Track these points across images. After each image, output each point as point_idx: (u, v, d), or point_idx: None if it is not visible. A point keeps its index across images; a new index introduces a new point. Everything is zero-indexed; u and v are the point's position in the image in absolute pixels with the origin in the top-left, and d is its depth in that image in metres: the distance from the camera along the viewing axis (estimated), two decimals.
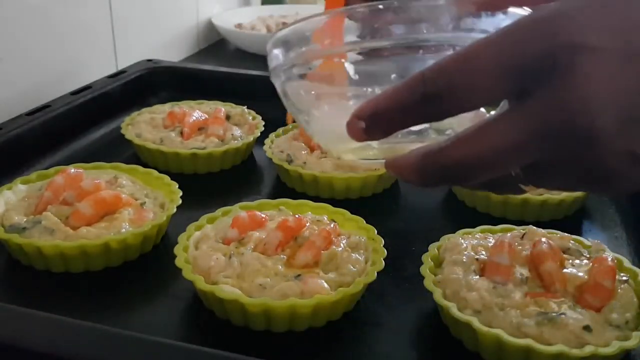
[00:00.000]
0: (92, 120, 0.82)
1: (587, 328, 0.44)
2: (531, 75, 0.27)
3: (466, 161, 0.29)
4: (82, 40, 0.92)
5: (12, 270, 0.55)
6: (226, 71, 0.97)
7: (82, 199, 0.57)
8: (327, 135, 0.36)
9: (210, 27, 1.31)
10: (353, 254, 0.52)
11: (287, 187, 0.71)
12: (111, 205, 0.57)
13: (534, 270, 0.49)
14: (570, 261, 0.51)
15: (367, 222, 0.57)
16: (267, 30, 1.31)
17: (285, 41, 0.35)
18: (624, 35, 0.27)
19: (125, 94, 0.89)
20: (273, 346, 0.48)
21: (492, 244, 0.52)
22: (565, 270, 0.49)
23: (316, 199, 0.64)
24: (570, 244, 0.53)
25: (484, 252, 0.51)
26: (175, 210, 0.58)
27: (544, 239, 0.51)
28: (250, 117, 0.81)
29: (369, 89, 0.33)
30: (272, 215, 0.57)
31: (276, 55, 0.36)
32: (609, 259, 0.48)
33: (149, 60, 0.97)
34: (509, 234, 0.53)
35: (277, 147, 0.73)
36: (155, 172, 0.65)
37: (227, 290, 0.47)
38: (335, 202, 0.61)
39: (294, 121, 0.73)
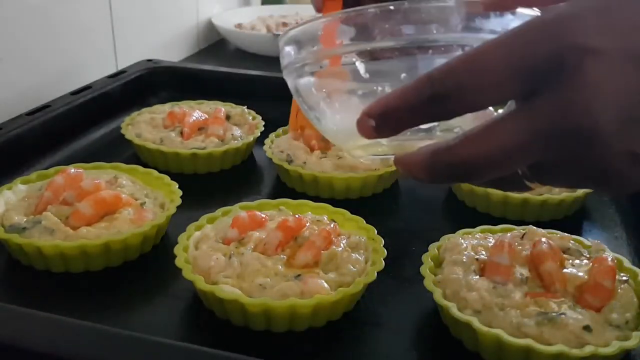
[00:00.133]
0: (92, 120, 0.82)
1: (587, 328, 0.44)
2: (539, 76, 0.28)
3: (474, 160, 0.29)
4: (82, 40, 0.92)
5: (12, 270, 0.55)
6: (226, 71, 0.97)
7: (82, 199, 0.57)
8: (337, 132, 0.37)
9: (210, 27, 1.31)
10: (353, 254, 0.52)
11: (287, 187, 0.71)
12: (111, 205, 0.57)
13: (534, 270, 0.49)
14: (570, 261, 0.51)
15: (367, 222, 0.57)
16: (267, 30, 1.31)
17: (297, 39, 0.36)
18: (627, 37, 0.27)
19: (125, 94, 0.89)
20: (273, 346, 0.48)
21: (492, 244, 0.52)
22: (565, 270, 0.49)
23: (316, 199, 0.64)
24: (570, 244, 0.53)
25: (484, 252, 0.51)
26: (175, 210, 0.58)
27: (544, 239, 0.51)
28: (250, 117, 0.81)
29: (379, 88, 0.34)
30: (272, 215, 0.57)
31: (288, 53, 0.36)
32: (609, 259, 0.48)
33: (149, 60, 0.97)
34: (509, 234, 0.53)
35: (277, 147, 0.73)
36: (155, 172, 0.65)
37: (227, 290, 0.47)
38: (335, 202, 0.61)
39: (300, 129, 0.73)
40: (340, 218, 0.58)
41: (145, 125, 0.77)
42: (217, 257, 0.50)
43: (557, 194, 0.63)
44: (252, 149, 0.79)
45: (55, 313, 0.41)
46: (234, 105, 0.84)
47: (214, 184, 0.72)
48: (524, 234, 0.53)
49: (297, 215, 0.54)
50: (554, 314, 0.44)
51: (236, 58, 1.26)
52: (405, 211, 0.69)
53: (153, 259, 0.57)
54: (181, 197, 0.60)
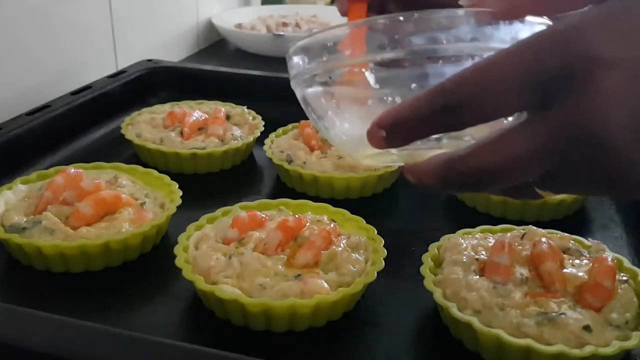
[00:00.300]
0: (92, 120, 0.82)
1: (587, 328, 0.44)
2: (550, 87, 0.28)
3: (486, 169, 0.30)
4: (82, 40, 0.92)
5: (12, 270, 0.55)
6: (226, 71, 0.97)
7: (82, 199, 0.57)
8: (347, 141, 0.37)
9: (210, 27, 1.31)
10: (353, 254, 0.52)
11: (287, 187, 0.71)
12: (111, 205, 0.57)
13: (534, 270, 0.49)
14: (570, 261, 0.51)
15: (367, 222, 0.57)
16: (267, 30, 1.31)
17: (306, 49, 0.36)
18: (638, 46, 0.27)
19: (125, 94, 0.89)
20: (273, 346, 0.48)
21: (492, 244, 0.52)
22: (565, 270, 0.49)
23: (316, 199, 0.64)
24: (570, 244, 0.53)
25: (484, 252, 0.51)
26: (175, 210, 0.58)
27: (544, 239, 0.51)
28: (250, 117, 0.81)
29: (390, 98, 0.34)
30: (272, 215, 0.57)
31: (297, 63, 0.37)
32: (609, 259, 0.48)
33: (149, 60, 0.97)
34: (509, 234, 0.53)
35: (277, 147, 0.73)
36: (155, 172, 0.65)
37: (227, 290, 0.47)
38: (335, 202, 0.61)
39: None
40: (340, 218, 0.58)
41: (145, 125, 0.77)
42: (217, 257, 0.50)
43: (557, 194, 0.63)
44: (252, 149, 0.79)
45: (55, 313, 0.41)
46: (234, 105, 0.84)
47: (214, 184, 0.72)
48: (524, 234, 0.53)
49: (297, 215, 0.54)
50: (554, 314, 0.44)
51: (236, 58, 1.26)
52: (405, 211, 0.69)
53: (153, 259, 0.57)
54: (181, 197, 0.60)
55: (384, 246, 0.53)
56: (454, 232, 0.55)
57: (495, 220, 0.60)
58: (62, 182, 0.59)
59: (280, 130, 0.77)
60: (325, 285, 0.48)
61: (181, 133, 0.75)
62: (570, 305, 0.46)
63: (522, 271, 0.49)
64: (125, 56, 1.01)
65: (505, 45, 0.29)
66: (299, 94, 0.38)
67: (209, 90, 0.92)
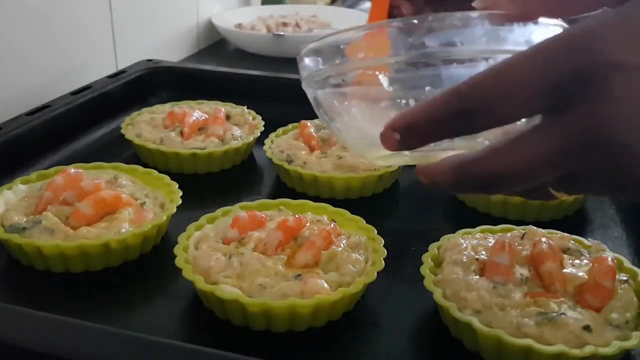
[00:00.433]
0: (92, 120, 0.82)
1: (587, 328, 0.44)
2: (566, 91, 0.28)
3: (500, 173, 0.30)
4: (82, 41, 0.92)
5: (12, 270, 0.55)
6: (226, 71, 0.97)
7: (82, 199, 0.57)
8: (359, 143, 0.37)
9: (210, 27, 1.31)
10: (353, 254, 0.52)
11: (287, 187, 0.71)
12: (111, 205, 0.57)
13: (534, 270, 0.49)
14: (570, 261, 0.51)
15: (367, 222, 0.57)
16: (267, 30, 1.31)
17: (319, 51, 0.36)
18: None
19: (125, 94, 0.89)
20: (273, 346, 0.48)
21: (492, 244, 0.52)
22: (565, 270, 0.49)
23: (316, 199, 0.64)
24: (570, 244, 0.53)
25: (484, 252, 0.51)
26: (175, 210, 0.58)
27: (544, 239, 0.51)
28: (250, 117, 0.81)
29: (403, 101, 0.34)
30: (272, 215, 0.57)
31: (309, 65, 0.37)
32: (609, 259, 0.48)
33: (149, 60, 0.97)
34: (509, 234, 0.53)
35: (277, 147, 0.73)
36: (155, 172, 0.65)
37: (227, 290, 0.47)
38: (335, 202, 0.61)
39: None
40: (340, 218, 0.58)
41: (145, 125, 0.77)
42: (217, 257, 0.50)
43: None
44: (252, 149, 0.79)
45: (55, 313, 0.41)
46: (234, 105, 0.84)
47: (214, 184, 0.72)
48: (524, 234, 0.53)
49: (297, 215, 0.54)
50: (554, 314, 0.44)
51: (236, 58, 1.26)
52: (405, 211, 0.69)
53: (153, 259, 0.57)
54: (181, 197, 0.60)
55: (384, 246, 0.53)
56: (454, 232, 0.55)
57: (495, 220, 0.60)
58: (62, 182, 0.59)
59: (280, 130, 0.77)
60: (325, 285, 0.48)
61: (181, 133, 0.74)
62: (570, 305, 0.46)
63: (522, 271, 0.49)
64: (125, 56, 1.01)
65: (520, 48, 0.29)
66: (310, 95, 0.38)
67: (209, 90, 0.92)
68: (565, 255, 0.51)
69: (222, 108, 0.80)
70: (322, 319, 0.49)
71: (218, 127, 0.76)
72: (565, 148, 0.28)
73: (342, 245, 0.53)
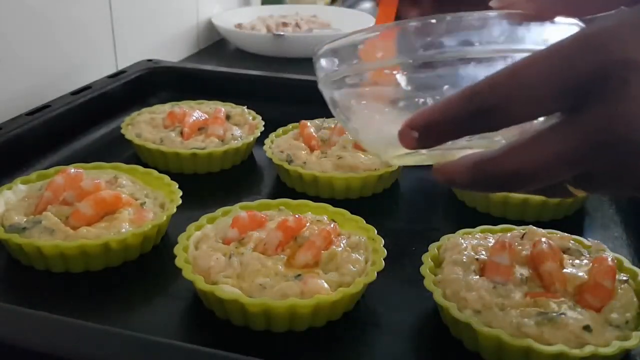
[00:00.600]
0: (92, 120, 0.82)
1: (587, 328, 0.44)
2: (584, 90, 0.28)
3: (518, 171, 0.30)
4: (82, 40, 0.92)
5: (12, 270, 0.55)
6: (226, 71, 0.97)
7: (82, 199, 0.57)
8: (376, 142, 0.38)
9: (210, 27, 1.31)
10: (353, 254, 0.52)
11: (287, 187, 0.71)
12: (111, 205, 0.57)
13: (534, 270, 0.49)
14: (570, 261, 0.51)
15: (367, 222, 0.57)
16: (267, 30, 1.31)
17: (335, 51, 0.36)
18: None
19: (125, 94, 0.89)
20: (273, 346, 0.48)
21: (492, 244, 0.52)
22: (565, 270, 0.49)
23: (316, 199, 0.64)
24: (570, 244, 0.53)
25: (484, 252, 0.51)
26: (175, 210, 0.58)
27: (544, 239, 0.51)
28: (250, 117, 0.81)
29: (421, 100, 0.34)
30: (272, 215, 0.57)
31: (325, 66, 0.37)
32: (609, 259, 0.48)
33: (149, 60, 0.97)
34: (509, 234, 0.53)
35: (277, 147, 0.73)
36: (155, 172, 0.65)
37: (227, 290, 0.47)
38: (335, 202, 0.61)
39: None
40: (340, 218, 0.58)
41: (145, 125, 0.77)
42: (217, 257, 0.50)
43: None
44: (252, 149, 0.79)
45: (55, 313, 0.41)
46: (234, 105, 0.84)
47: (214, 184, 0.72)
48: (524, 234, 0.53)
49: (297, 215, 0.54)
50: (554, 314, 0.44)
51: (236, 58, 1.26)
52: (405, 211, 0.69)
53: (153, 259, 0.57)
54: (181, 197, 0.60)
55: (384, 246, 0.53)
56: (454, 232, 0.55)
57: (495, 220, 0.60)
58: (62, 182, 0.59)
59: (280, 130, 0.77)
60: (325, 285, 0.48)
61: (181, 133, 0.74)
62: (570, 305, 0.46)
63: (522, 271, 0.49)
64: (125, 56, 1.01)
65: (538, 47, 0.30)
66: (327, 95, 0.38)
67: (209, 90, 0.92)
68: (565, 255, 0.51)
69: (222, 108, 0.80)
70: (322, 319, 0.49)
71: (218, 127, 0.76)
72: (582, 148, 0.29)
73: (342, 245, 0.53)
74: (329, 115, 0.78)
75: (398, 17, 0.52)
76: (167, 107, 0.81)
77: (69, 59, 0.90)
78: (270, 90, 0.92)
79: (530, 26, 0.33)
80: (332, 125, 0.75)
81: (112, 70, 0.94)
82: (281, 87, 0.93)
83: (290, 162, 0.69)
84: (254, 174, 0.76)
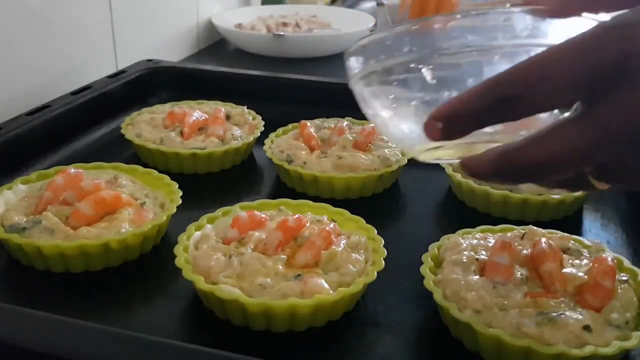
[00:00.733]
0: (92, 120, 0.82)
1: (587, 328, 0.44)
2: (605, 80, 0.29)
3: (540, 161, 0.31)
4: (82, 41, 0.92)
5: (12, 270, 0.55)
6: (226, 71, 0.97)
7: (82, 199, 0.57)
8: (404, 137, 0.38)
9: (210, 27, 1.31)
10: (353, 254, 0.52)
11: (287, 187, 0.71)
12: (111, 205, 0.57)
13: (534, 270, 0.49)
14: (570, 261, 0.51)
15: (367, 222, 0.57)
16: (267, 30, 1.31)
17: (364, 49, 0.37)
18: None
19: (125, 94, 0.89)
20: (273, 346, 0.48)
21: (492, 244, 0.52)
22: (565, 270, 0.49)
23: (316, 199, 0.64)
24: (570, 244, 0.53)
25: (484, 252, 0.51)
26: (175, 210, 0.58)
27: (544, 239, 0.51)
28: (250, 117, 0.81)
29: (446, 93, 0.35)
30: (272, 215, 0.57)
31: (355, 63, 0.38)
32: (609, 259, 0.48)
33: (149, 60, 0.97)
34: (509, 234, 0.53)
35: (277, 147, 0.73)
36: (155, 172, 0.65)
37: (227, 290, 0.47)
38: (335, 202, 0.61)
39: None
40: (340, 218, 0.58)
41: (145, 125, 0.77)
42: (217, 257, 0.50)
43: (557, 194, 0.63)
44: (252, 149, 0.79)
45: (55, 313, 0.41)
46: (234, 105, 0.84)
47: (214, 184, 0.72)
48: (524, 234, 0.53)
49: (297, 215, 0.54)
50: (554, 314, 0.44)
51: (236, 58, 1.26)
52: (405, 211, 0.69)
53: (153, 259, 0.57)
54: (181, 197, 0.60)
55: (384, 246, 0.53)
56: (454, 232, 0.55)
57: (495, 220, 0.60)
58: (62, 182, 0.59)
59: (280, 130, 0.77)
60: (326, 285, 0.48)
61: (181, 133, 0.74)
62: (570, 305, 0.46)
63: (522, 271, 0.49)
64: (125, 56, 1.01)
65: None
66: (357, 92, 0.39)
67: (209, 90, 0.92)
68: (565, 255, 0.51)
69: (222, 108, 0.80)
70: (322, 319, 0.49)
71: (218, 127, 0.76)
72: (603, 137, 0.30)
73: (342, 245, 0.53)
74: (329, 115, 0.78)
75: None
76: (167, 107, 0.81)
77: (69, 59, 0.90)
78: (270, 90, 0.92)
79: (553, 22, 0.34)
80: (332, 125, 0.75)
81: (112, 70, 0.94)
82: (281, 87, 0.93)
83: (290, 162, 0.69)
84: (254, 174, 0.76)
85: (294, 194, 0.69)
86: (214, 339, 0.48)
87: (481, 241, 0.53)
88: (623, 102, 0.29)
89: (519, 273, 0.49)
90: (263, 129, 0.78)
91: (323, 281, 0.49)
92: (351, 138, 0.71)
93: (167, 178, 0.64)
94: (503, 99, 0.30)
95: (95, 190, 0.57)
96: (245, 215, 0.55)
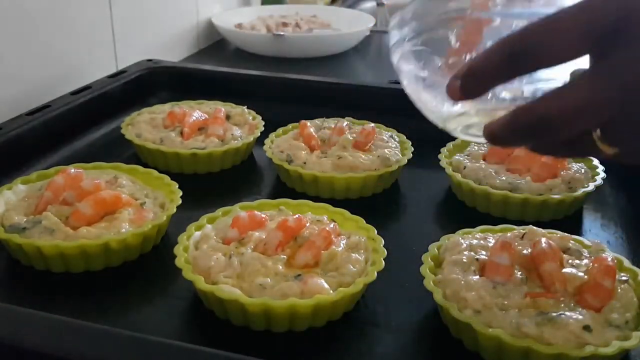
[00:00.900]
0: (92, 120, 0.82)
1: (587, 328, 0.44)
2: (609, 34, 0.32)
3: (550, 115, 0.33)
4: (82, 41, 0.92)
5: (12, 270, 0.55)
6: (226, 71, 0.97)
7: (82, 199, 0.57)
8: (435, 104, 0.41)
9: (210, 27, 1.31)
10: (353, 254, 0.52)
11: (287, 187, 0.71)
12: (111, 205, 0.57)
13: (534, 270, 0.49)
14: (570, 261, 0.51)
15: (367, 222, 0.57)
16: (267, 30, 1.31)
17: (400, 20, 0.41)
18: None
19: (125, 94, 0.89)
20: (273, 346, 0.48)
21: (492, 244, 0.52)
22: (565, 270, 0.49)
23: (316, 199, 0.64)
24: (570, 244, 0.53)
25: (484, 252, 0.51)
26: (175, 210, 0.58)
27: (544, 239, 0.51)
28: (250, 117, 0.81)
29: (468, 56, 0.38)
30: (272, 215, 0.57)
31: (394, 34, 0.41)
32: (609, 259, 0.48)
33: (149, 60, 0.97)
34: (509, 234, 0.53)
35: (277, 147, 0.73)
36: (155, 172, 0.65)
37: (227, 290, 0.47)
38: (335, 202, 0.61)
39: None
40: (340, 218, 0.58)
41: (145, 125, 0.77)
42: (217, 257, 0.50)
43: (557, 194, 0.63)
44: (252, 149, 0.79)
45: (55, 313, 0.41)
46: (234, 105, 0.84)
47: (214, 184, 0.72)
48: (524, 234, 0.53)
49: (297, 215, 0.54)
50: (554, 314, 0.44)
51: (236, 58, 1.26)
52: (405, 211, 0.69)
53: (153, 259, 0.57)
54: (181, 197, 0.60)
55: (384, 246, 0.53)
56: (454, 232, 0.55)
57: (495, 220, 0.60)
58: (62, 182, 0.59)
59: (280, 130, 0.77)
60: (326, 285, 0.48)
61: (181, 133, 0.74)
62: (570, 306, 0.46)
63: (522, 271, 0.49)
64: (125, 56, 1.01)
65: None
66: (395, 63, 0.42)
67: (209, 90, 0.92)
68: (565, 255, 0.51)
69: (222, 108, 0.80)
70: (322, 319, 0.49)
71: (218, 127, 0.76)
72: (609, 90, 0.32)
73: (342, 245, 0.53)
74: (329, 115, 0.78)
75: None
76: (167, 107, 0.81)
77: (69, 59, 0.90)
78: (270, 90, 0.92)
79: None
80: (332, 125, 0.75)
81: (112, 70, 0.94)
82: (281, 87, 0.93)
83: (290, 162, 0.69)
84: (254, 174, 0.76)
85: (294, 194, 0.69)
86: (214, 339, 0.48)
87: (481, 241, 0.53)
88: (627, 56, 0.31)
89: (519, 273, 0.49)
90: (263, 129, 0.78)
91: (323, 281, 0.49)
92: (351, 138, 0.71)
93: (167, 178, 0.64)
94: (513, 53, 0.33)
95: (95, 190, 0.57)
96: (245, 215, 0.55)
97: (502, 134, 0.35)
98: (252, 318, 0.47)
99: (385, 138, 0.73)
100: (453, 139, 0.73)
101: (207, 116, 0.78)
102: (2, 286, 0.54)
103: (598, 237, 0.62)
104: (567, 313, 0.45)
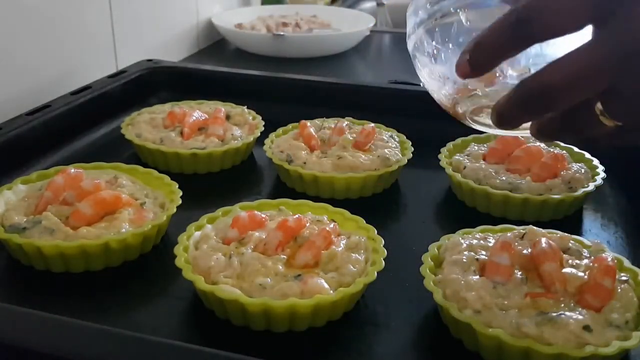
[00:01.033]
0: (92, 120, 0.82)
1: (587, 328, 0.44)
2: (608, 3, 0.32)
3: (553, 84, 0.34)
4: (82, 40, 0.92)
5: (12, 270, 0.55)
6: (226, 71, 0.97)
7: (82, 199, 0.57)
8: (445, 88, 0.42)
9: (210, 27, 1.32)
10: (353, 254, 0.52)
11: (287, 187, 0.71)
12: (111, 205, 0.57)
13: (534, 270, 0.49)
14: (570, 261, 0.51)
15: (367, 222, 0.57)
16: (267, 30, 1.31)
17: (416, 7, 0.43)
18: None
19: (125, 94, 0.89)
20: (273, 346, 0.48)
21: (492, 244, 0.52)
22: (565, 270, 0.49)
23: (316, 199, 0.64)
24: (570, 244, 0.53)
25: (484, 252, 0.51)
26: (175, 210, 0.58)
27: (544, 239, 0.51)
28: (250, 117, 0.81)
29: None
30: (272, 215, 0.57)
31: (409, 21, 0.43)
32: (609, 259, 0.48)
33: (149, 60, 0.97)
34: (509, 234, 0.53)
35: (277, 147, 0.73)
36: (155, 172, 0.65)
37: (227, 290, 0.47)
38: (335, 202, 0.61)
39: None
40: (340, 218, 0.58)
41: (145, 125, 0.77)
42: (217, 257, 0.50)
43: (557, 194, 0.63)
44: (252, 149, 0.79)
45: (55, 313, 0.41)
46: (234, 105, 0.84)
47: (214, 184, 0.72)
48: (524, 234, 0.53)
49: (297, 215, 0.54)
50: (554, 314, 0.44)
51: (236, 58, 1.26)
52: (405, 211, 0.69)
53: (153, 259, 0.57)
54: (181, 197, 0.60)
55: (384, 246, 0.53)
56: (454, 232, 0.55)
57: (495, 220, 0.60)
58: (62, 182, 0.59)
59: (280, 130, 0.77)
60: (326, 285, 0.48)
61: (181, 133, 0.74)
62: (570, 306, 0.46)
63: (522, 271, 0.49)
64: (125, 56, 1.01)
65: None
66: (410, 51, 0.43)
67: (209, 90, 0.92)
68: (565, 255, 0.51)
69: (222, 108, 0.80)
70: (322, 319, 0.49)
71: (218, 127, 0.76)
72: (610, 56, 0.32)
73: (342, 245, 0.53)
74: (329, 115, 0.79)
75: None
76: (167, 107, 0.81)
77: (69, 59, 0.90)
78: (270, 90, 0.92)
79: None
80: (332, 125, 0.75)
81: (112, 70, 0.94)
82: (281, 87, 0.93)
83: (290, 162, 0.69)
84: (254, 174, 0.76)
85: (294, 194, 0.69)
86: (214, 339, 0.48)
87: (481, 241, 0.53)
88: (626, 23, 0.32)
89: (519, 273, 0.49)
90: (263, 129, 0.78)
91: (323, 281, 0.49)
92: (351, 138, 0.71)
93: (167, 178, 0.64)
94: (517, 23, 0.34)
95: (95, 190, 0.57)
96: (245, 215, 0.55)
97: (508, 110, 0.36)
98: (252, 318, 0.47)
99: (385, 138, 0.73)
100: (453, 139, 0.74)
101: (207, 116, 0.78)
102: (2, 286, 0.54)
103: (598, 237, 0.62)
104: (567, 313, 0.45)
